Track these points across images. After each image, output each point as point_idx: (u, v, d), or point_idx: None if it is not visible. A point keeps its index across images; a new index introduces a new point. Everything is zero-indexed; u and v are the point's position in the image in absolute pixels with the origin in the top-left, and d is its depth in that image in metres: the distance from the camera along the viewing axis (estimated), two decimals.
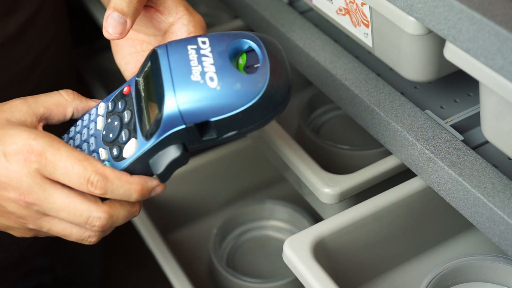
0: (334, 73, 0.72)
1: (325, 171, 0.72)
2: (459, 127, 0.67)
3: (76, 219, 0.56)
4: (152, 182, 0.56)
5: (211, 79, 0.52)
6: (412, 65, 0.65)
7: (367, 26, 0.67)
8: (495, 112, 0.55)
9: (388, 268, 0.74)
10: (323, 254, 0.65)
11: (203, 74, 0.53)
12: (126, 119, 0.56)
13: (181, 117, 0.52)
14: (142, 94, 0.56)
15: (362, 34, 0.69)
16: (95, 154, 0.57)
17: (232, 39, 0.55)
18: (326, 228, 0.66)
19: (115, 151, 0.56)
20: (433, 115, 0.67)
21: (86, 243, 0.58)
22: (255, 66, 0.54)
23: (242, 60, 0.55)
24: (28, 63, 0.76)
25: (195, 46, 0.54)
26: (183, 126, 0.53)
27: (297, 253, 0.64)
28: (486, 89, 0.55)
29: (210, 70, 0.53)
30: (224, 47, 0.54)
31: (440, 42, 0.60)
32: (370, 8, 0.65)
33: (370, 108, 0.68)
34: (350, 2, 0.67)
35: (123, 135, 0.56)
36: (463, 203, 0.60)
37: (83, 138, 0.59)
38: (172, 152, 0.54)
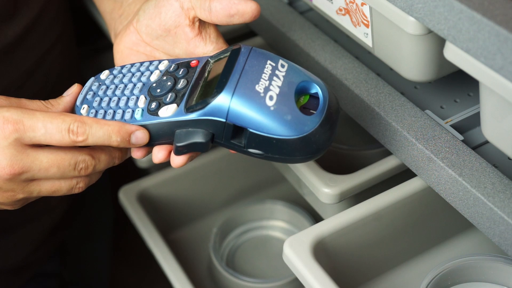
0: (334, 73, 0.72)
1: (325, 171, 0.72)
2: (459, 127, 0.67)
3: (66, 170, 0.57)
4: (131, 126, 0.58)
5: (271, 98, 0.55)
6: (412, 65, 0.65)
7: (367, 26, 0.67)
8: (495, 112, 0.55)
9: (388, 268, 0.74)
10: (323, 254, 0.65)
11: (266, 89, 0.55)
12: (179, 86, 0.59)
13: (227, 112, 0.55)
14: (206, 74, 0.58)
15: (362, 34, 0.69)
16: (134, 97, 0.60)
17: (306, 78, 0.58)
18: (326, 228, 0.66)
19: (153, 105, 0.58)
20: (433, 115, 0.67)
21: (76, 191, 0.59)
22: (311, 111, 0.57)
23: (303, 100, 0.58)
24: (28, 68, 0.76)
25: (274, 64, 0.57)
26: (223, 120, 0.55)
27: (297, 253, 0.64)
28: (486, 89, 0.55)
29: (274, 90, 0.55)
30: (296, 80, 0.57)
31: (440, 42, 0.60)
32: (370, 8, 0.65)
33: (370, 108, 0.68)
34: (350, 2, 0.67)
35: (169, 96, 0.58)
36: (463, 203, 0.60)
37: (133, 79, 0.61)
38: (199, 135, 0.57)
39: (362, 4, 0.65)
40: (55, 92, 0.63)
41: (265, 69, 0.56)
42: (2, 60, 0.72)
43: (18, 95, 0.74)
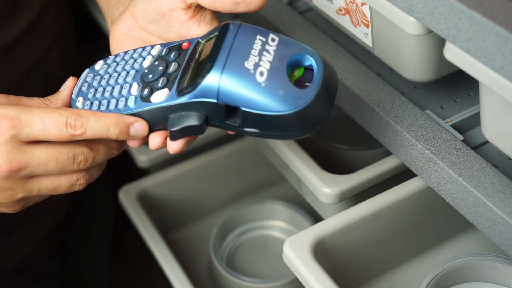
0: None
1: (325, 171, 0.72)
2: (459, 127, 0.67)
3: (65, 163, 0.56)
4: (129, 118, 0.57)
5: (261, 73, 0.54)
6: (412, 65, 0.65)
7: (367, 26, 0.67)
8: (495, 112, 0.55)
9: (388, 268, 0.74)
10: (323, 254, 0.65)
11: (256, 65, 0.54)
12: (170, 69, 0.58)
13: (217, 92, 0.54)
14: (196, 55, 0.57)
15: (362, 34, 0.69)
16: (127, 85, 0.59)
17: (299, 51, 0.56)
18: (326, 228, 0.66)
19: (145, 91, 0.57)
20: (433, 115, 0.67)
21: (77, 188, 0.59)
22: (306, 84, 0.55)
23: (297, 73, 0.56)
24: (29, 67, 0.76)
25: (263, 39, 0.55)
26: (214, 101, 0.54)
27: (297, 253, 0.64)
28: (486, 89, 0.55)
29: (265, 66, 0.54)
30: (287, 53, 0.55)
31: (440, 42, 0.60)
32: (370, 8, 0.65)
33: (370, 108, 0.68)
34: (350, 2, 0.67)
35: (160, 81, 0.57)
36: (463, 203, 0.60)
37: (126, 67, 0.60)
38: (193, 118, 0.56)
39: (362, 4, 0.65)
40: (56, 91, 0.63)
41: (255, 45, 0.55)
42: (3, 59, 0.72)
43: (18, 94, 0.73)
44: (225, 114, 0.55)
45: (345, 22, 0.70)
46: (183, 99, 0.55)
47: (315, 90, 0.54)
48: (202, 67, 0.55)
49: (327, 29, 0.79)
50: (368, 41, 0.69)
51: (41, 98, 0.60)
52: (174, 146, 0.58)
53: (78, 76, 0.63)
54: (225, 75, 0.53)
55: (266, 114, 0.54)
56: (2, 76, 0.72)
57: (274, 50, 0.55)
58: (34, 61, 0.76)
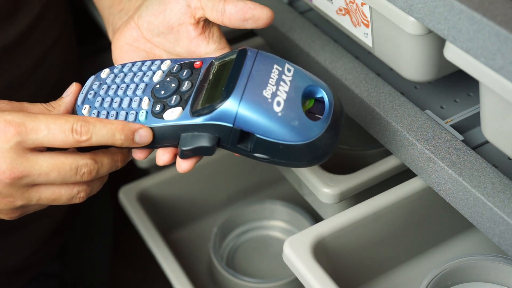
0: (334, 73, 0.72)
1: (325, 171, 0.72)
2: (459, 127, 0.67)
3: (67, 174, 0.56)
4: (134, 124, 0.57)
5: (278, 103, 0.55)
6: (412, 65, 0.65)
7: (367, 26, 0.67)
8: (495, 112, 0.55)
9: (388, 268, 0.74)
10: (323, 254, 0.65)
11: (274, 95, 0.55)
12: (183, 88, 0.58)
13: (235, 118, 0.55)
14: (210, 77, 0.58)
15: (362, 34, 0.69)
16: (137, 98, 0.59)
17: (312, 83, 0.57)
18: (326, 228, 0.66)
19: (157, 107, 0.58)
20: (433, 115, 0.67)
21: (77, 201, 0.58)
22: (316, 116, 0.57)
23: (308, 104, 0.57)
24: (29, 67, 0.76)
25: (280, 69, 0.57)
26: (230, 125, 0.55)
27: (297, 253, 0.64)
28: (486, 89, 0.55)
29: (281, 96, 0.55)
30: (302, 84, 0.57)
31: (440, 42, 0.60)
32: (370, 8, 0.65)
33: (370, 108, 0.68)
34: (350, 2, 0.67)
35: (174, 99, 0.58)
36: (463, 203, 0.60)
37: (135, 79, 0.60)
38: (205, 139, 0.56)
39: (362, 4, 0.65)
40: (55, 91, 0.63)
41: (272, 74, 0.56)
42: (3, 59, 0.72)
43: (19, 94, 0.73)
44: (238, 139, 0.56)
45: (345, 22, 0.70)
46: (198, 120, 0.56)
47: (327, 123, 0.56)
48: (218, 90, 0.56)
49: (327, 29, 0.79)
50: (368, 41, 0.69)
51: (43, 104, 0.60)
52: (184, 166, 0.58)
53: (79, 78, 0.63)
54: (244, 101, 0.54)
55: (279, 142, 0.55)
56: (2, 76, 0.72)
57: (290, 81, 0.56)
58: (34, 61, 0.76)
